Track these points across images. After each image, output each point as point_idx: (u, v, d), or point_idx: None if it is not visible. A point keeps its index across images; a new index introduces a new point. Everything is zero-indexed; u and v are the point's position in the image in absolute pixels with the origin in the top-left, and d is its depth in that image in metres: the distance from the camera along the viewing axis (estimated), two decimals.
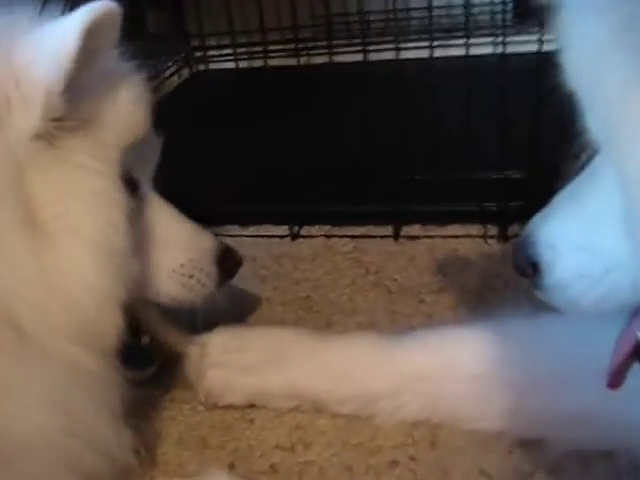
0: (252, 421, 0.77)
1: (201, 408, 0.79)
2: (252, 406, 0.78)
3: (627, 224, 0.45)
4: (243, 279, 0.99)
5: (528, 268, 0.53)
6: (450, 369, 0.72)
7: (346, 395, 0.75)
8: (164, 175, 1.18)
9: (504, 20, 1.42)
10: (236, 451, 0.74)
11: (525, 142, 1.01)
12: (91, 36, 0.59)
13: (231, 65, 1.52)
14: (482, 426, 0.71)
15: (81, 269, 0.63)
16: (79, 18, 0.58)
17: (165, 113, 1.48)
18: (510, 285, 0.92)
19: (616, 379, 0.54)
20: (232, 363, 0.78)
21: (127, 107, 0.69)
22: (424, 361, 0.73)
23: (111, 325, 0.65)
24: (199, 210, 1.12)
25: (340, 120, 1.11)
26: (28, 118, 0.61)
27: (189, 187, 1.13)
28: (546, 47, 1.06)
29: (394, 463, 0.70)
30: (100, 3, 0.59)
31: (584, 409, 0.67)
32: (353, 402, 0.74)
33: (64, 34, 0.58)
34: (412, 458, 0.70)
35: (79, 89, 0.62)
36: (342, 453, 0.72)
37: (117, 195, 0.66)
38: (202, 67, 1.78)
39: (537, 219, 0.54)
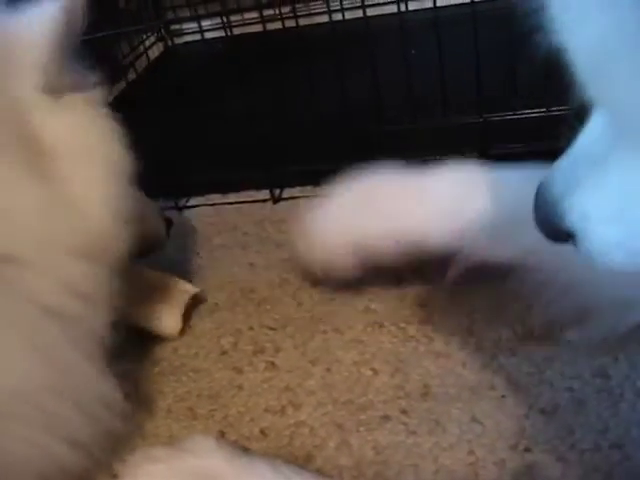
0: (240, 387, 0.75)
1: (186, 379, 0.78)
2: (239, 372, 0.77)
3: None
4: (225, 247, 0.98)
5: (562, 235, 0.50)
6: None
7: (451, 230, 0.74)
8: (144, 149, 1.17)
9: None
10: (225, 419, 0.72)
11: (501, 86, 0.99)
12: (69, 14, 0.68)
13: (207, 36, 1.49)
14: None
15: (99, 189, 0.69)
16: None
17: (143, 88, 1.47)
18: None
19: None
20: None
21: None
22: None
23: (122, 241, 0.70)
24: (180, 180, 1.11)
25: (314, 80, 1.08)
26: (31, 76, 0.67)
27: (170, 160, 1.11)
28: None
29: (386, 417, 0.69)
30: None
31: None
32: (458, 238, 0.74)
33: (49, 14, 0.67)
34: (403, 411, 0.69)
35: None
36: (333, 412, 0.70)
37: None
38: (177, 41, 1.76)
39: (560, 184, 0.49)
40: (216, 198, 1.10)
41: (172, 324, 0.82)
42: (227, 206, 1.08)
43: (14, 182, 0.63)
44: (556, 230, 0.49)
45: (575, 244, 0.49)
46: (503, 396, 0.69)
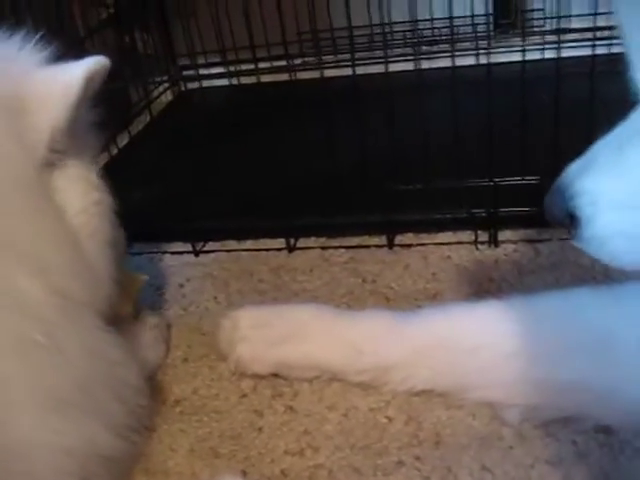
0: (260, 429, 0.79)
1: (207, 419, 0.81)
2: (259, 415, 0.81)
3: None
4: (242, 293, 1.02)
5: (566, 219, 0.52)
6: (454, 342, 0.78)
7: (360, 366, 0.80)
8: (161, 192, 1.22)
9: (488, 31, 1.46)
10: (247, 459, 0.76)
11: (512, 150, 1.04)
12: (88, 84, 0.69)
13: (219, 83, 1.55)
14: (483, 395, 0.76)
15: (98, 256, 0.75)
16: (84, 67, 0.69)
17: (157, 132, 1.52)
18: (503, 289, 0.95)
19: None
20: (259, 336, 0.84)
21: None
22: (431, 335, 0.79)
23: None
24: (196, 226, 1.16)
25: (332, 133, 1.13)
26: (35, 150, 0.70)
27: (186, 205, 1.16)
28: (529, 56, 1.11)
29: (400, 463, 0.73)
30: (100, 57, 0.71)
31: (576, 379, 0.72)
32: (367, 373, 0.80)
33: (71, 80, 0.69)
34: (417, 458, 0.73)
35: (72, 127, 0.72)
36: (350, 456, 0.74)
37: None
38: (191, 85, 1.81)
39: (575, 169, 0.52)
40: (233, 244, 1.14)
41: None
42: (243, 253, 1.12)
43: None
44: (562, 212, 0.51)
45: (576, 231, 0.51)
46: (511, 447, 0.73)
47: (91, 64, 0.70)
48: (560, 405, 0.73)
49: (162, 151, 1.39)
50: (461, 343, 0.77)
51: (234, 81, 1.47)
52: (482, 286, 0.97)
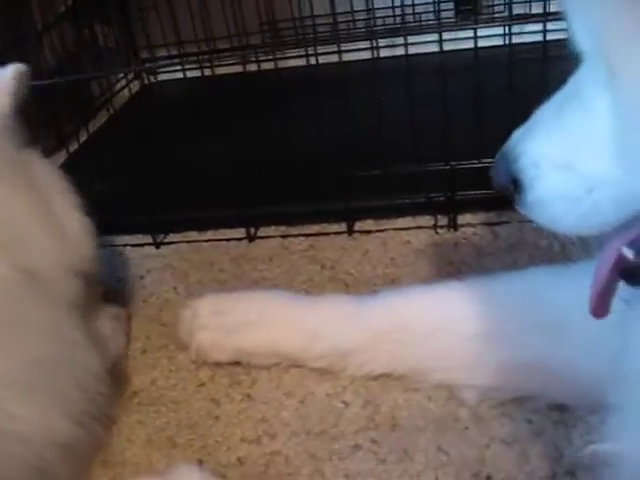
0: (217, 418, 0.79)
1: (165, 409, 0.81)
2: (216, 404, 0.81)
3: (617, 138, 0.45)
4: (202, 283, 1.02)
5: (509, 184, 0.52)
6: (413, 325, 0.78)
7: (318, 352, 0.80)
8: (122, 186, 1.21)
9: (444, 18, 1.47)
10: (204, 448, 0.76)
11: (468, 134, 1.04)
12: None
13: (180, 75, 1.54)
14: (442, 377, 0.77)
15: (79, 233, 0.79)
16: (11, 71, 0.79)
17: (118, 126, 1.51)
18: (462, 272, 0.96)
19: (600, 306, 0.52)
20: (219, 324, 0.84)
21: None
22: (389, 318, 0.79)
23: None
24: (157, 218, 1.15)
25: (289, 122, 1.13)
26: None
27: (147, 198, 1.15)
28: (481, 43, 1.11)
29: (357, 447, 0.73)
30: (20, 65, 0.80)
31: (533, 359, 0.72)
32: (325, 358, 0.80)
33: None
34: (373, 441, 0.73)
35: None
36: (306, 441, 0.74)
37: None
38: (152, 79, 1.80)
39: (519, 134, 0.53)
40: (193, 235, 1.14)
41: None
42: (204, 243, 1.12)
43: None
44: (506, 178, 0.51)
45: (520, 196, 0.51)
46: (467, 428, 0.73)
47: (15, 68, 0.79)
48: (518, 385, 0.74)
49: (124, 144, 1.37)
50: (419, 326, 0.77)
51: (194, 73, 1.47)
52: (441, 269, 0.97)
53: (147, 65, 1.79)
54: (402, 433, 0.74)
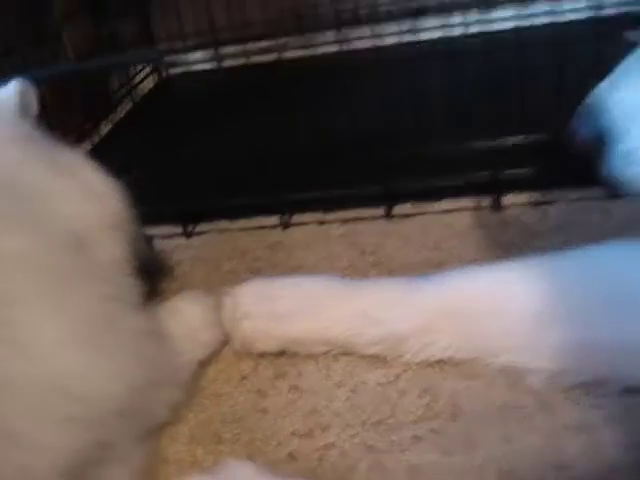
0: (264, 411, 0.74)
1: (208, 403, 0.77)
2: (262, 396, 0.76)
3: None
4: (235, 273, 0.97)
5: (594, 139, 0.50)
6: (474, 305, 0.73)
7: (373, 337, 0.75)
8: (149, 176, 1.17)
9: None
10: (251, 443, 0.71)
11: (512, 110, 1.00)
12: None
13: (202, 67, 1.51)
14: (507, 360, 0.72)
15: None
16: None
17: (140, 117, 1.47)
18: (511, 253, 0.91)
19: None
20: (264, 312, 0.79)
21: None
22: (448, 300, 0.74)
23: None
24: (187, 207, 1.10)
25: (321, 108, 1.09)
26: None
27: (175, 186, 1.11)
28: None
29: (417, 438, 0.68)
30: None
31: (606, 340, 0.67)
32: (379, 344, 0.75)
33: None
34: (434, 431, 0.68)
35: None
36: (362, 433, 0.69)
37: None
38: (173, 71, 1.77)
39: (605, 87, 0.50)
40: (225, 224, 1.09)
41: None
42: (236, 232, 1.07)
43: None
44: (592, 132, 0.49)
45: (606, 150, 0.48)
46: (532, 415, 0.68)
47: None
48: (587, 367, 0.68)
49: (148, 135, 1.34)
50: (481, 306, 0.72)
51: (216, 64, 1.43)
52: (489, 252, 0.92)
53: (169, 56, 1.75)
54: (464, 422, 0.69)
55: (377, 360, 0.77)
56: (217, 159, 1.18)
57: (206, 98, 1.47)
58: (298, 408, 0.74)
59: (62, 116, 1.31)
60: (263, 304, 0.79)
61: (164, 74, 1.77)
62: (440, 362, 0.75)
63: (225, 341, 0.82)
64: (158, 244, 1.07)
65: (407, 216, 1.03)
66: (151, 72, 1.74)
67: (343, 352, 0.78)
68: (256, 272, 0.96)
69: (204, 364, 0.80)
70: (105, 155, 1.25)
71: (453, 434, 0.68)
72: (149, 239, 1.02)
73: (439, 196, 1.04)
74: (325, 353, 0.79)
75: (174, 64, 1.77)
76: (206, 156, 1.21)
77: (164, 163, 1.19)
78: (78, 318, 0.62)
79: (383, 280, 0.80)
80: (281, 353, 0.80)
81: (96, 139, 1.40)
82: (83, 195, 0.75)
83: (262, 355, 0.80)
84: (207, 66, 1.51)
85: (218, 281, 0.95)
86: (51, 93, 1.37)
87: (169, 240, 1.09)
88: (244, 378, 0.79)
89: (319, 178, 1.09)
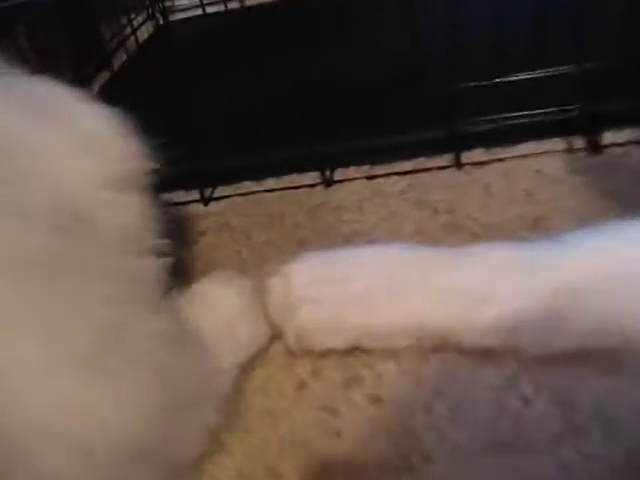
0: (337, 432, 0.54)
1: (258, 426, 0.56)
2: (333, 413, 0.56)
3: None
4: (273, 244, 0.77)
5: None
6: (620, 274, 0.52)
7: (484, 322, 0.54)
8: (153, 138, 0.96)
9: None
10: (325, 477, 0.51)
11: (607, 30, 0.78)
12: None
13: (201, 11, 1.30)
14: None
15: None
16: None
17: (139, 69, 1.26)
18: (624, 202, 0.70)
19: None
20: (328, 295, 0.58)
21: None
22: (582, 268, 0.53)
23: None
24: (203, 167, 0.90)
25: (349, 43, 0.88)
26: None
27: (186, 145, 0.90)
28: None
29: (564, 466, 0.48)
30: None
31: None
32: (493, 332, 0.54)
33: None
34: (585, 455, 0.48)
35: None
36: (479, 460, 0.50)
37: None
38: (170, 18, 1.56)
39: None
40: (250, 186, 0.88)
41: None
42: (266, 194, 0.86)
43: None
44: None
45: None
46: None
47: None
48: None
49: (150, 88, 1.12)
50: (631, 274, 0.52)
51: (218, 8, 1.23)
52: (595, 203, 0.72)
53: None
54: (622, 440, 0.49)
55: (484, 355, 0.56)
56: (232, 109, 0.97)
57: (211, 45, 1.26)
58: (382, 427, 0.54)
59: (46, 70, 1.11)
60: (326, 285, 0.58)
61: (161, 21, 1.55)
62: (571, 356, 0.55)
63: (273, 336, 0.62)
64: (170, 213, 0.87)
65: (481, 164, 0.82)
66: (146, 19, 1.53)
67: (436, 346, 0.57)
68: (301, 243, 0.75)
69: (247, 370, 0.60)
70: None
71: (611, 458, 0.48)
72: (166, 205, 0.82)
73: (518, 137, 0.83)
74: (409, 349, 0.58)
75: (172, 9, 1.57)
76: (219, 108, 1.00)
77: (169, 119, 0.98)
78: (74, 331, 0.42)
79: (490, 246, 0.59)
80: (350, 351, 0.59)
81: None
82: (76, 145, 0.54)
83: (325, 354, 0.60)
84: (210, 10, 1.29)
85: (254, 256, 0.75)
86: (29, 39, 1.17)
87: (183, 208, 0.88)
88: (303, 386, 0.59)
89: (364, 123, 0.88)
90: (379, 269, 0.57)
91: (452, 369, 0.56)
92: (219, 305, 0.60)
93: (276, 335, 0.61)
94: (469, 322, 0.54)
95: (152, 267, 0.54)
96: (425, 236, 0.72)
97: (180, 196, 0.90)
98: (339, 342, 0.58)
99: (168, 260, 0.58)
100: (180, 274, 0.70)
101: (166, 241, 0.59)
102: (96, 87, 1.26)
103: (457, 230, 0.72)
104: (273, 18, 1.25)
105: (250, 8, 1.22)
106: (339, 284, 0.57)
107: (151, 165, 0.59)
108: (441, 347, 0.57)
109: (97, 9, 1.42)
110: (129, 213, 0.53)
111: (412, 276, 0.56)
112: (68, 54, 1.25)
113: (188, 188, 0.90)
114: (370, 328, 0.57)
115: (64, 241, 0.48)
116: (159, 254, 0.57)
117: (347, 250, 0.61)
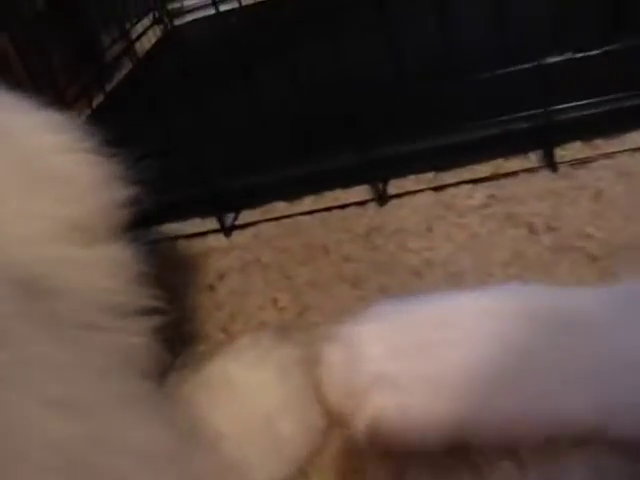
0: None
1: None
2: None
3: None
4: (318, 286, 0.58)
5: None
6: None
7: None
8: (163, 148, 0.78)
9: None
10: None
11: None
12: None
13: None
14: None
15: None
16: None
17: (145, 79, 1.08)
18: None
19: None
20: (415, 372, 0.39)
21: None
22: None
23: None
24: (221, 188, 0.71)
25: (386, 33, 0.68)
26: None
27: (201, 161, 0.72)
28: None
29: None
30: None
31: None
32: None
33: None
34: None
35: None
36: None
37: None
38: (178, 22, 1.39)
39: None
40: (284, 208, 0.70)
41: None
42: (302, 218, 0.68)
43: None
44: None
45: None
46: None
47: None
48: None
49: (156, 99, 0.94)
50: None
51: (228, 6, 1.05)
52: None
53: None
54: None
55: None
56: (253, 119, 0.78)
57: (225, 49, 1.08)
58: None
59: (37, 82, 0.93)
60: (413, 356, 0.39)
61: (169, 25, 1.39)
62: None
63: (332, 432, 0.43)
64: (182, 248, 0.68)
65: (582, 162, 0.62)
66: (152, 24, 1.36)
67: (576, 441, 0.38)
68: (354, 283, 0.57)
69: None
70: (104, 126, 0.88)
71: None
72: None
73: (626, 124, 0.64)
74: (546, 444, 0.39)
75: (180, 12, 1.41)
76: (236, 118, 0.81)
77: (183, 131, 0.79)
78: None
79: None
80: (449, 451, 0.40)
81: (87, 109, 1.02)
82: (34, 187, 0.39)
83: (409, 456, 0.40)
84: (222, 8, 1.11)
85: (296, 306, 0.56)
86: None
87: (199, 240, 0.70)
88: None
89: (422, 121, 0.69)
90: (494, 330, 0.38)
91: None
92: (249, 391, 0.41)
93: (337, 430, 0.42)
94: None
95: (141, 342, 0.36)
96: (525, 264, 0.53)
97: (194, 225, 0.71)
98: (432, 439, 0.39)
99: (167, 323, 0.41)
100: (188, 341, 0.52)
101: (163, 297, 0.41)
102: (95, 102, 1.08)
103: (567, 253, 0.53)
104: (295, 10, 1.07)
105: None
106: (432, 354, 0.38)
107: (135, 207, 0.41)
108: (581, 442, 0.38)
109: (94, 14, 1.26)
110: (104, 272, 0.35)
111: (546, 340, 0.37)
112: (61, 67, 1.08)
113: (204, 215, 0.72)
114: (479, 420, 0.37)
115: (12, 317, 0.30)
116: (152, 316, 0.39)
117: (440, 298, 0.42)
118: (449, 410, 0.38)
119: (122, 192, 0.45)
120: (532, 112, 0.63)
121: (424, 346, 0.38)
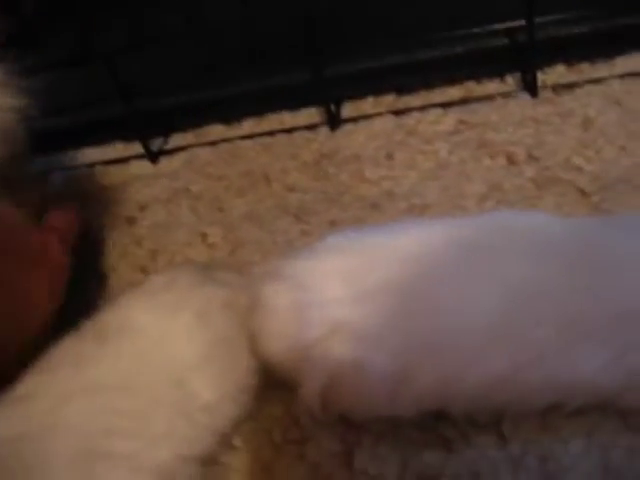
0: None
1: None
2: None
3: None
4: (263, 221, 0.49)
5: None
6: None
7: None
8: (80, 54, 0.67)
9: None
10: None
11: None
12: None
13: None
14: None
15: None
16: None
17: None
18: None
19: None
20: (383, 320, 0.31)
21: None
22: None
23: None
24: (147, 107, 0.61)
25: None
26: None
27: (125, 73, 0.61)
28: None
29: None
30: None
31: None
32: None
33: None
34: None
35: None
36: None
37: None
38: None
39: None
40: (221, 131, 0.60)
41: None
42: (243, 142, 0.58)
43: None
44: None
45: None
46: None
47: None
48: None
49: None
50: None
51: None
52: None
53: None
54: None
55: None
56: (188, 27, 0.67)
57: None
58: None
59: None
60: (378, 298, 0.30)
61: None
62: None
63: (265, 392, 0.34)
64: (100, 175, 0.58)
65: (568, 87, 0.54)
66: None
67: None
68: (304, 215, 0.48)
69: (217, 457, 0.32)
70: None
71: None
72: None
73: (616, 46, 0.56)
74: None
75: None
76: (169, 24, 0.71)
77: (101, 39, 0.68)
78: None
79: None
80: (415, 423, 0.32)
81: None
82: None
83: (365, 425, 0.32)
84: None
85: (230, 241, 0.47)
86: None
87: (121, 167, 0.60)
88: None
89: (379, 30, 0.59)
90: (483, 266, 0.29)
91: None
92: (155, 341, 0.32)
93: (275, 392, 0.33)
94: None
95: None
96: (503, 197, 0.45)
97: (115, 150, 0.61)
98: (399, 406, 0.30)
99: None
100: (98, 284, 0.43)
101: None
102: None
103: (553, 186, 0.45)
104: None
105: None
106: (402, 297, 0.30)
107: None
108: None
109: None
110: None
111: (553, 280, 0.29)
112: None
113: (127, 138, 0.61)
114: (463, 383, 0.29)
115: None
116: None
117: (408, 228, 0.33)
118: (424, 368, 0.29)
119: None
120: (511, 24, 0.54)
121: (392, 287, 0.30)
